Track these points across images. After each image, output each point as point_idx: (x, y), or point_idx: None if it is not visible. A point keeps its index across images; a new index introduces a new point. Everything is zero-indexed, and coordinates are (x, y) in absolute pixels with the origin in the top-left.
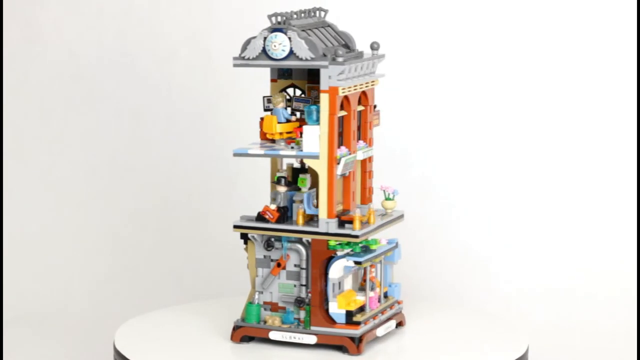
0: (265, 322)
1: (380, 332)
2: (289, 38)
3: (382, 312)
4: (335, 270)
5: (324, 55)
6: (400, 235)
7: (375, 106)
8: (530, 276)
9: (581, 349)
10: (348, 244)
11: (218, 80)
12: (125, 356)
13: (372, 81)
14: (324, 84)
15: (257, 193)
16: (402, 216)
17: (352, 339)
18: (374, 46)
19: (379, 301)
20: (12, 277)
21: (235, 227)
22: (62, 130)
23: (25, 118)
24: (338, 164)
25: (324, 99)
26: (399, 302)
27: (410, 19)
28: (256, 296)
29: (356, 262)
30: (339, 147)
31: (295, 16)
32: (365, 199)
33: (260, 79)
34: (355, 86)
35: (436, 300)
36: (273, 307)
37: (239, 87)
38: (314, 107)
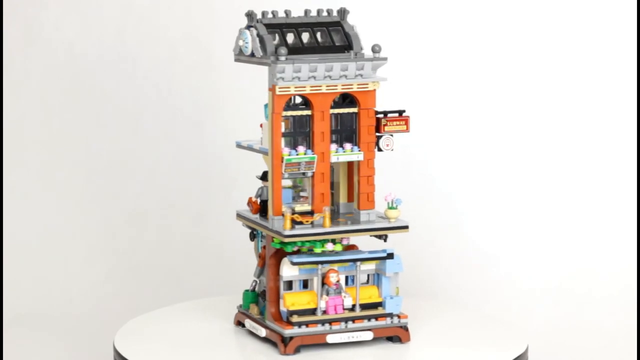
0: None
1: (332, 339)
2: (251, 36)
3: (355, 320)
4: (285, 268)
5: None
6: (399, 235)
7: (401, 111)
8: (530, 276)
9: (581, 349)
10: (289, 243)
11: (218, 80)
12: (125, 357)
13: (363, 84)
14: (269, 82)
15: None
16: (406, 227)
17: (282, 338)
18: (376, 49)
19: (354, 309)
20: (12, 277)
21: (238, 215)
22: (62, 130)
23: (25, 118)
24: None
25: (269, 97)
26: (400, 317)
27: (412, 21)
28: (252, 284)
29: (292, 263)
30: (295, 146)
31: (271, 14)
32: (363, 204)
33: (260, 78)
34: (320, 86)
35: (436, 300)
36: (262, 297)
37: (239, 86)
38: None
